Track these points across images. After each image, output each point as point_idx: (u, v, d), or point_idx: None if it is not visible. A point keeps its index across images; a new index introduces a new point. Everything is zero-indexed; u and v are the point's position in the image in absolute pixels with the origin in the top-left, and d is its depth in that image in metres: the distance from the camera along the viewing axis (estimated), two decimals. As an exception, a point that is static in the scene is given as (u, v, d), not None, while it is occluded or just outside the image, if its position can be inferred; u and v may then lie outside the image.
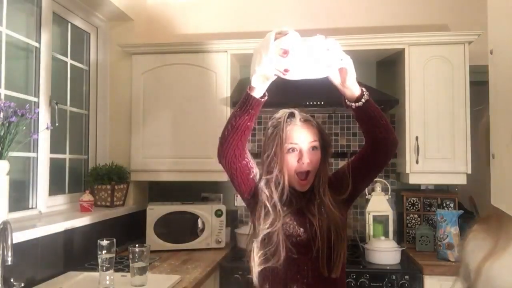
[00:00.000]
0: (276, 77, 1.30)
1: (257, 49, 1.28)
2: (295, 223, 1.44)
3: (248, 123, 1.35)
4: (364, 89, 1.38)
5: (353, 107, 1.37)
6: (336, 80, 1.38)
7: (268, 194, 1.41)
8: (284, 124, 1.43)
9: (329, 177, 1.51)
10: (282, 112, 1.48)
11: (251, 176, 1.45)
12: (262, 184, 1.43)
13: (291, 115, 1.46)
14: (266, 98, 1.38)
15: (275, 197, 1.41)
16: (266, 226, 1.39)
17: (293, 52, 1.22)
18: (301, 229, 1.43)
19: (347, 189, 1.46)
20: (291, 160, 1.42)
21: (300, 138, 1.43)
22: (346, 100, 1.40)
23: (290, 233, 1.42)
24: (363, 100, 1.35)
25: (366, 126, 1.41)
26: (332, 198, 1.46)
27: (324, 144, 1.48)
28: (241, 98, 1.35)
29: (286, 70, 1.24)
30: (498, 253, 1.02)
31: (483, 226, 1.08)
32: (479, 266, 1.04)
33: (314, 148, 1.44)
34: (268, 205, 1.40)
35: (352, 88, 1.36)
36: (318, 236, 1.40)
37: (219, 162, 1.43)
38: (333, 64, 1.29)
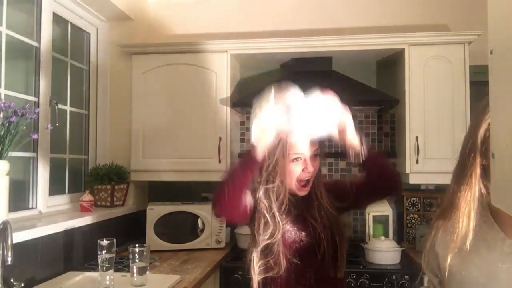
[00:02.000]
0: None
1: (256, 113, 1.32)
2: (295, 228, 1.44)
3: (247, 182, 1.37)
4: (364, 143, 1.39)
5: (360, 162, 1.39)
6: (338, 136, 1.39)
7: (267, 205, 1.41)
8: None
9: (329, 183, 1.54)
10: None
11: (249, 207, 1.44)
12: (260, 194, 1.42)
13: None
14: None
15: (274, 207, 1.40)
16: (266, 237, 1.39)
17: (294, 110, 1.24)
18: (303, 233, 1.43)
19: (346, 200, 1.48)
20: (296, 169, 1.41)
21: (305, 148, 1.42)
22: (351, 156, 1.41)
23: (293, 239, 1.42)
24: (364, 152, 1.38)
25: (370, 177, 1.45)
26: (329, 200, 1.48)
27: (321, 150, 1.50)
28: (244, 159, 1.39)
29: (289, 130, 1.28)
30: (466, 249, 1.02)
31: (446, 221, 1.08)
32: (450, 261, 1.05)
33: (316, 155, 1.45)
34: (267, 215, 1.40)
35: (354, 142, 1.38)
36: (323, 239, 1.41)
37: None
38: (332, 124, 1.32)
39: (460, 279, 1.04)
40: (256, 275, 1.40)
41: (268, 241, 1.38)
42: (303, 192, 1.45)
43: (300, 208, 1.47)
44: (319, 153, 1.46)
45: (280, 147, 1.40)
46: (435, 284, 1.19)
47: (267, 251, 1.39)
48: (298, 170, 1.41)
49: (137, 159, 2.76)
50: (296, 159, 1.41)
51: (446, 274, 1.07)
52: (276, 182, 1.40)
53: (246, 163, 1.36)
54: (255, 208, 1.43)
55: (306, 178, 1.43)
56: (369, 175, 1.45)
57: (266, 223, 1.39)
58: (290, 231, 1.43)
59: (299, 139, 1.41)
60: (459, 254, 1.03)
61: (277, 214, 1.40)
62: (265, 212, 1.40)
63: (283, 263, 1.38)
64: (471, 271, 1.01)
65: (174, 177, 2.75)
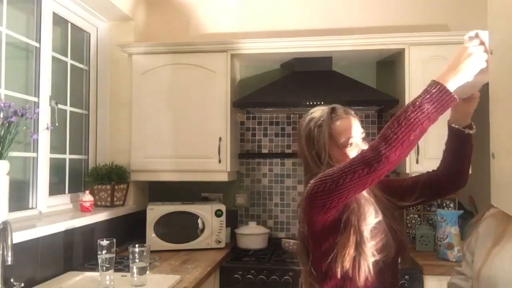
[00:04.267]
0: None
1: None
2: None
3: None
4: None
5: (466, 132, 1.34)
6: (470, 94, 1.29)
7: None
8: (330, 120, 1.33)
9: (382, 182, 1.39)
10: (321, 110, 1.37)
11: None
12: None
13: (333, 109, 1.36)
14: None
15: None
16: (373, 215, 1.26)
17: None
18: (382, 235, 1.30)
19: (404, 200, 1.41)
20: (352, 153, 1.30)
21: (354, 130, 1.34)
22: (456, 125, 1.35)
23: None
24: (474, 129, 1.32)
25: (458, 155, 1.37)
26: (383, 194, 1.39)
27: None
28: (432, 94, 1.20)
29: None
30: (504, 243, 1.03)
31: (498, 213, 1.09)
32: (487, 253, 1.05)
33: (364, 139, 1.37)
34: (362, 194, 1.27)
35: (471, 112, 1.31)
36: (389, 232, 1.30)
37: (386, 165, 1.11)
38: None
39: (494, 274, 1.04)
40: (370, 256, 1.22)
41: (377, 219, 1.27)
42: None
43: None
44: (365, 137, 1.36)
45: (328, 137, 1.31)
46: (469, 262, 1.20)
47: (376, 231, 1.26)
48: (354, 154, 1.27)
49: (137, 159, 2.76)
50: (350, 144, 1.32)
51: (484, 266, 1.07)
52: None
53: (440, 100, 1.19)
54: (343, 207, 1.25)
55: None
56: (458, 153, 1.35)
57: (365, 199, 1.28)
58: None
59: (345, 122, 1.33)
60: (498, 247, 1.04)
61: (365, 193, 1.29)
62: (359, 196, 1.26)
63: (393, 244, 1.27)
64: (505, 267, 1.01)
65: (174, 177, 2.75)
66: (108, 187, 2.61)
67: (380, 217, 1.28)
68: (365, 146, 1.31)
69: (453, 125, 1.36)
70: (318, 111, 1.38)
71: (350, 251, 1.21)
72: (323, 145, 1.31)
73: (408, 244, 1.37)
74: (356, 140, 1.33)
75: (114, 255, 1.86)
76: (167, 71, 2.77)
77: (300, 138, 1.40)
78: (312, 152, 1.34)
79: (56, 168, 2.45)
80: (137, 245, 1.88)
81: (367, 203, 1.28)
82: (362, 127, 1.40)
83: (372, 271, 1.22)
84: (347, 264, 1.21)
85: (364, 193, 1.28)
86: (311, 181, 1.24)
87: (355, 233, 1.22)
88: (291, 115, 3.05)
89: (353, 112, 1.41)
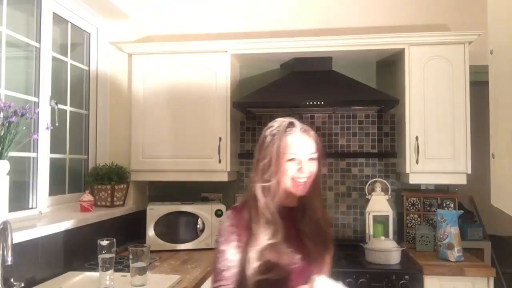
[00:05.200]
0: None
1: None
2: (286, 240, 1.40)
3: None
4: None
5: None
6: None
7: (266, 203, 1.38)
8: (283, 133, 1.40)
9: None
10: (281, 121, 1.44)
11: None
12: (258, 191, 1.39)
13: (291, 124, 1.42)
14: None
15: (272, 206, 1.38)
16: (267, 237, 1.35)
17: None
18: (292, 245, 1.39)
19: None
20: (291, 169, 1.38)
21: (301, 149, 1.40)
22: None
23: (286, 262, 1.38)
24: None
25: None
26: (324, 216, 1.49)
27: (320, 156, 1.46)
28: None
29: None
30: None
31: None
32: None
33: (312, 159, 1.42)
34: (267, 214, 1.37)
35: None
36: (310, 253, 1.40)
37: None
38: None
39: None
40: (253, 275, 1.33)
41: (270, 241, 1.35)
42: (300, 191, 1.42)
43: (291, 219, 1.43)
44: (316, 158, 1.43)
45: (276, 147, 1.38)
46: None
47: (267, 252, 1.35)
48: (293, 169, 1.39)
49: (137, 159, 2.76)
50: (292, 159, 1.39)
51: None
52: (272, 181, 1.38)
53: None
54: (254, 205, 1.40)
55: (302, 179, 1.40)
56: None
57: (267, 222, 1.36)
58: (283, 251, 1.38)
59: (295, 139, 1.40)
60: None
61: (276, 213, 1.38)
62: (265, 211, 1.37)
63: (285, 266, 1.35)
64: None
65: (174, 177, 2.75)
66: (108, 187, 2.61)
67: (276, 239, 1.35)
68: (311, 165, 1.40)
69: None
70: (278, 122, 1.45)
71: (229, 263, 1.36)
72: (270, 153, 1.38)
73: (323, 264, 1.46)
74: (300, 157, 1.39)
75: (114, 255, 1.86)
76: (167, 71, 2.77)
77: (258, 142, 1.48)
78: (259, 156, 1.42)
79: (56, 168, 2.45)
80: (137, 245, 1.88)
81: (266, 226, 1.36)
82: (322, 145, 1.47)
83: None
84: (227, 273, 1.36)
85: (268, 214, 1.36)
86: (231, 211, 1.45)
87: (242, 252, 1.35)
88: (291, 115, 3.04)
89: (312, 133, 1.45)
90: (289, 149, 1.38)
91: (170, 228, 2.65)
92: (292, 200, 1.45)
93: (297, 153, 1.39)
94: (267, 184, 1.39)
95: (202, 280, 2.11)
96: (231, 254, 1.37)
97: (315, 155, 1.42)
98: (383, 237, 2.51)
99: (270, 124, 1.46)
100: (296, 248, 1.39)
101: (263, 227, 1.36)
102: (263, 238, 1.35)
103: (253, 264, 1.33)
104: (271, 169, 1.38)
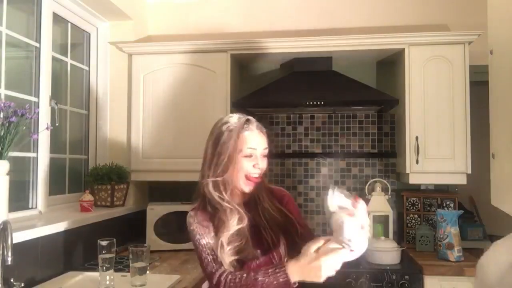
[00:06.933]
0: None
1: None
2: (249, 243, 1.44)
3: None
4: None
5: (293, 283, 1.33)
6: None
7: (220, 196, 1.43)
8: (242, 129, 1.44)
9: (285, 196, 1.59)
10: (237, 117, 1.49)
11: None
12: (210, 187, 1.44)
13: (248, 121, 1.47)
14: None
15: (227, 198, 1.43)
16: (235, 222, 1.41)
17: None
18: (258, 251, 1.45)
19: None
20: (246, 165, 1.43)
21: (257, 144, 1.45)
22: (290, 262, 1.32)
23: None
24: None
25: None
26: (272, 203, 1.52)
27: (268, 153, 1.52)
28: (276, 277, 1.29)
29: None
30: None
31: None
32: None
33: (264, 156, 1.48)
34: (227, 204, 1.42)
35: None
36: (267, 241, 1.44)
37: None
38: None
39: None
40: (228, 256, 1.40)
41: (239, 226, 1.41)
42: (248, 188, 1.46)
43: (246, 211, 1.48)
44: (267, 154, 1.49)
45: (233, 142, 1.41)
46: None
47: (236, 235, 1.41)
48: (249, 165, 1.43)
49: (137, 159, 2.76)
50: (249, 155, 1.44)
51: None
52: (226, 176, 1.42)
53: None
54: (211, 200, 1.45)
55: (255, 175, 1.45)
56: None
57: (230, 210, 1.41)
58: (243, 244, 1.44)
59: (252, 135, 1.44)
60: None
61: (233, 203, 1.43)
62: (222, 202, 1.42)
63: (254, 247, 1.41)
64: None
65: (174, 177, 2.74)
66: (108, 187, 2.61)
67: (243, 224, 1.42)
68: (264, 162, 1.47)
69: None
70: (234, 118, 1.49)
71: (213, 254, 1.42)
72: (227, 148, 1.42)
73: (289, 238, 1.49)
74: (256, 152, 1.45)
75: (114, 255, 1.86)
76: (167, 71, 2.77)
77: (210, 137, 1.52)
78: (215, 151, 1.45)
79: (56, 168, 2.45)
80: (137, 245, 1.88)
81: (232, 212, 1.42)
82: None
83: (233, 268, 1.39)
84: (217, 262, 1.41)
85: (226, 204, 1.42)
86: (191, 212, 1.54)
87: (216, 239, 1.42)
88: (291, 115, 3.05)
89: (265, 130, 1.52)
90: (246, 144, 1.43)
91: (170, 228, 2.65)
92: (240, 199, 1.51)
93: (254, 147, 1.44)
94: (219, 178, 1.43)
95: (202, 280, 2.10)
96: (210, 245, 1.43)
97: (267, 152, 1.49)
98: (383, 237, 2.51)
99: (225, 119, 1.50)
100: (257, 241, 1.45)
101: (229, 214, 1.41)
102: (232, 223, 1.40)
103: (226, 248, 1.39)
104: (226, 164, 1.42)
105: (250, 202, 1.51)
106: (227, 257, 1.39)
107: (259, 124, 1.51)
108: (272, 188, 1.61)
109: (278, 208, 1.52)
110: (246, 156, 1.43)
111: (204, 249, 1.44)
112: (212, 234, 1.44)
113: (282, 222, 1.49)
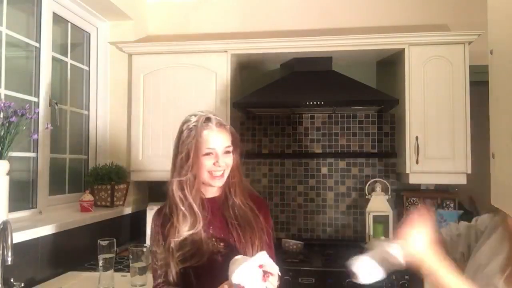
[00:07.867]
0: None
1: None
2: (211, 227, 1.44)
3: None
4: None
5: None
6: None
7: (182, 197, 1.43)
8: (201, 128, 1.44)
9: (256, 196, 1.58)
10: (198, 116, 1.48)
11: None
12: (174, 187, 1.44)
13: (208, 119, 1.47)
14: None
15: (190, 199, 1.42)
16: (187, 228, 1.40)
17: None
18: (221, 244, 1.43)
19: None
20: (207, 163, 1.43)
21: (216, 143, 1.44)
22: None
23: (209, 236, 1.43)
24: None
25: None
26: (244, 199, 1.51)
27: (236, 148, 1.51)
28: None
29: None
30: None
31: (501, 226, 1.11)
32: (501, 268, 1.07)
33: (227, 152, 1.47)
34: (183, 208, 1.42)
35: None
36: (235, 238, 1.43)
37: None
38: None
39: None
40: (176, 265, 1.39)
41: (190, 232, 1.40)
42: (217, 183, 1.46)
43: (216, 208, 1.49)
44: (231, 150, 1.48)
45: (193, 142, 1.42)
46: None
47: (187, 242, 1.40)
48: (209, 163, 1.43)
49: (137, 159, 2.76)
50: (208, 153, 1.43)
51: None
52: (189, 175, 1.42)
53: None
54: (172, 201, 1.45)
55: (218, 172, 1.44)
56: None
57: (184, 215, 1.41)
58: (207, 231, 1.44)
59: (211, 133, 1.43)
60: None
61: (194, 205, 1.42)
62: (181, 205, 1.42)
63: (205, 253, 1.39)
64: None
65: (174, 177, 2.74)
66: (108, 187, 2.61)
67: (195, 230, 1.41)
68: (226, 158, 1.46)
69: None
70: (195, 117, 1.49)
71: (159, 261, 1.43)
72: (186, 147, 1.42)
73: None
74: (216, 151, 1.44)
75: (114, 255, 1.86)
76: (167, 71, 2.77)
77: (176, 137, 1.51)
78: (177, 151, 1.46)
79: (56, 168, 2.45)
80: (137, 245, 1.88)
81: (184, 218, 1.42)
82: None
83: (176, 277, 1.40)
84: (160, 271, 1.44)
85: (183, 207, 1.42)
86: (155, 212, 1.53)
87: (165, 245, 1.42)
88: (291, 115, 3.05)
89: (228, 127, 1.50)
90: (205, 143, 1.43)
91: (170, 228, 2.64)
92: (213, 191, 1.51)
93: (212, 147, 1.44)
94: (183, 178, 1.43)
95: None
96: (160, 253, 1.43)
97: (230, 148, 1.48)
98: (383, 237, 2.51)
99: (186, 118, 1.51)
100: (224, 235, 1.45)
101: (182, 219, 1.41)
102: (183, 229, 1.40)
103: (175, 254, 1.39)
104: (188, 163, 1.42)
105: (222, 196, 1.52)
106: (176, 263, 1.40)
107: (221, 121, 1.50)
108: (253, 192, 1.60)
109: (250, 206, 1.51)
110: (206, 155, 1.43)
111: (153, 258, 1.46)
112: (161, 242, 1.44)
113: (250, 220, 1.48)
